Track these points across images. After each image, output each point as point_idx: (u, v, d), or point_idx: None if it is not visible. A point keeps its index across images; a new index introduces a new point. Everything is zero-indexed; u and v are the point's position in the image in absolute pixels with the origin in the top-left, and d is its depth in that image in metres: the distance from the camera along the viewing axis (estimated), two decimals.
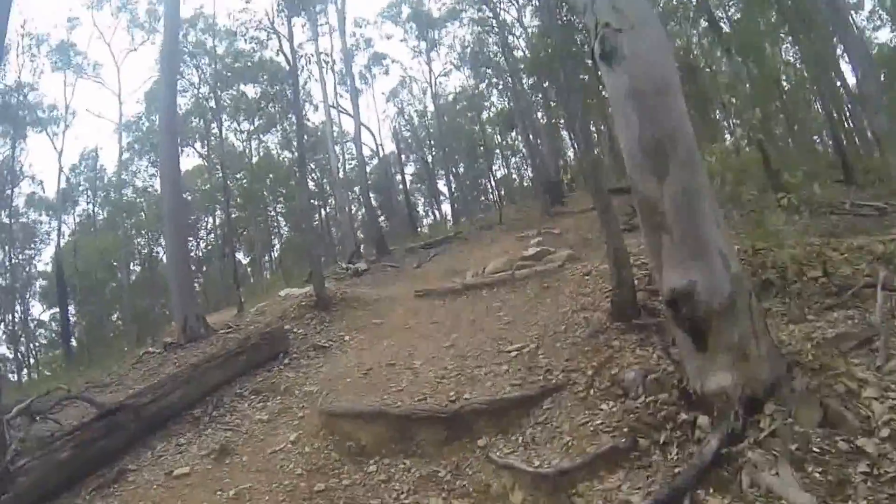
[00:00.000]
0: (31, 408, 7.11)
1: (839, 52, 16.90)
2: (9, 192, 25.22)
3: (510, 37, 23.06)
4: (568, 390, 4.80)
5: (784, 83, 20.80)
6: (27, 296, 30.56)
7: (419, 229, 31.59)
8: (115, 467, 5.20)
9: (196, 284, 34.98)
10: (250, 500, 4.43)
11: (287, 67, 13.10)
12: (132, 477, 5.05)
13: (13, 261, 27.83)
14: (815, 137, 26.91)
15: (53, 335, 29.17)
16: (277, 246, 36.97)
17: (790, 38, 19.19)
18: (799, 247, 5.73)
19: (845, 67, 17.19)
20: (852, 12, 18.84)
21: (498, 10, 21.81)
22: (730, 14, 20.44)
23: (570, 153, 25.77)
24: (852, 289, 4.93)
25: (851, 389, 3.30)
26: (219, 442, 5.42)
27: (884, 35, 25.82)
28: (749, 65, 16.19)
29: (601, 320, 5.96)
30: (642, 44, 3.60)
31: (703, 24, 18.15)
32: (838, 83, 17.99)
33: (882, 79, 14.99)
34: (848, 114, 19.47)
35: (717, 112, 23.13)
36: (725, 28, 18.11)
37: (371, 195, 29.93)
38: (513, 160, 37.80)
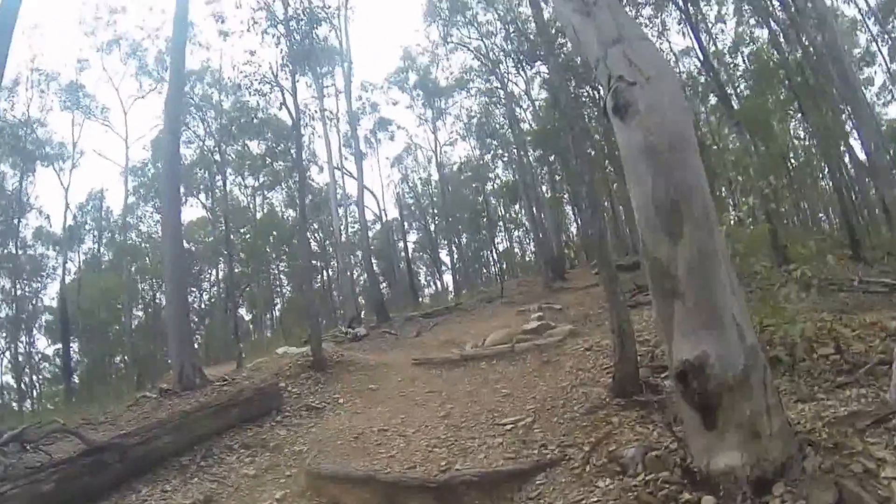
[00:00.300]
0: (22, 436, 7.05)
1: (848, 127, 17.15)
2: (16, 222, 25.58)
3: (517, 108, 23.57)
4: (563, 466, 4.67)
5: (791, 160, 21.12)
6: (33, 328, 30.55)
7: (420, 298, 31.57)
8: None
9: (198, 336, 35.02)
10: None
11: (290, 122, 13.38)
12: None
13: (19, 292, 27.88)
14: (821, 215, 27.17)
15: (56, 370, 29.17)
16: (280, 304, 36.98)
17: (799, 114, 19.65)
18: (809, 323, 5.64)
19: (853, 144, 17.55)
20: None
21: (506, 80, 22.36)
22: (738, 90, 21.04)
23: (574, 228, 25.92)
24: (865, 366, 4.81)
25: (869, 469, 3.14)
26: (203, 493, 5.28)
27: (893, 111, 26.47)
28: (757, 142, 16.54)
29: (601, 396, 5.91)
30: (657, 97, 3.48)
31: (712, 100, 18.62)
32: (847, 158, 18.21)
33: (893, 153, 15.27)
34: (856, 188, 19.68)
35: (724, 189, 23.56)
36: (734, 103, 18.61)
37: (373, 260, 30.09)
38: (515, 233, 38.11)
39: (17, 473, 5.32)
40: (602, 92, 3.93)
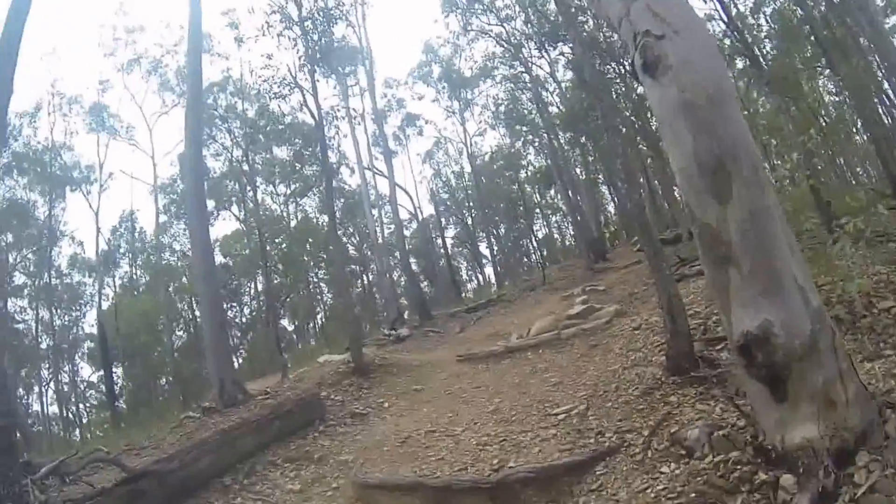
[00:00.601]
0: (61, 468, 6.97)
1: (879, 76, 16.51)
2: (49, 251, 25.97)
3: (544, 92, 23.08)
4: (623, 453, 4.35)
5: (824, 117, 20.37)
6: (75, 357, 31.28)
7: (463, 294, 31.22)
8: None
9: (241, 351, 35.51)
10: None
11: (314, 123, 13.24)
12: None
13: (58, 322, 28.46)
14: (858, 169, 26.15)
15: (102, 396, 29.54)
16: (322, 313, 37.15)
17: (828, 70, 18.93)
18: (865, 277, 5.22)
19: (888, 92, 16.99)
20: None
21: (530, 64, 21.88)
22: (764, 52, 20.30)
23: (611, 208, 25.30)
24: None
25: None
26: None
27: None
28: (787, 102, 15.81)
29: (655, 375, 5.50)
30: (689, 50, 3.18)
31: (739, 64, 17.91)
32: (881, 108, 17.51)
33: None
34: (894, 137, 18.85)
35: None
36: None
37: (412, 260, 29.77)
38: (553, 219, 37.35)
39: None
40: (629, 52, 3.65)
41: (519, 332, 10.84)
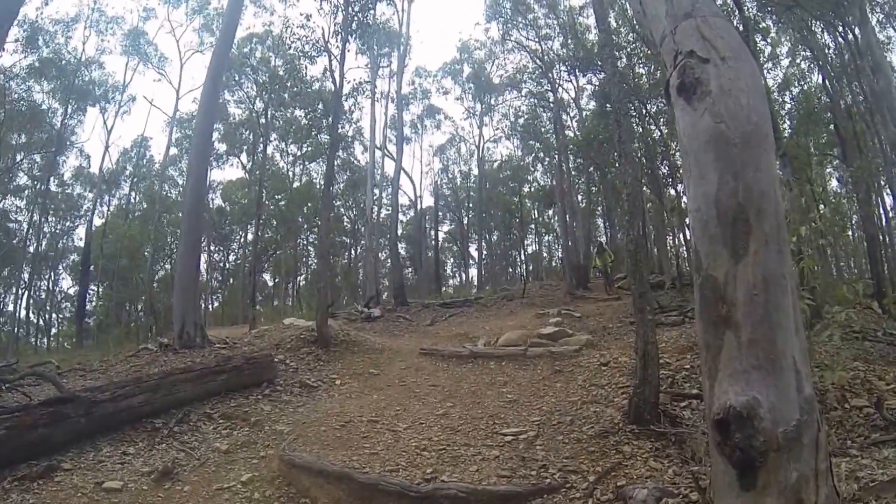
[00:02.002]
0: (1, 375, 6.80)
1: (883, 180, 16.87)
2: (56, 159, 25.90)
3: (564, 115, 23.23)
4: (562, 495, 4.12)
5: (821, 205, 20.62)
6: (59, 267, 31.10)
7: (444, 288, 31.15)
8: (48, 461, 4.64)
9: (218, 295, 35.23)
10: None
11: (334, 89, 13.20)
12: (60, 477, 4.49)
13: (49, 229, 28.28)
14: (842, 264, 26.58)
15: (76, 310, 29.52)
16: (304, 275, 36.98)
17: (836, 161, 19.05)
18: (842, 370, 5.00)
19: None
20: None
21: (557, 85, 21.96)
22: (783, 127, 20.50)
23: (603, 240, 25.54)
24: None
25: None
26: (166, 462, 4.85)
27: None
28: (791, 180, 15.88)
29: (613, 419, 5.30)
30: (733, 80, 2.89)
31: None
32: (880, 209, 17.84)
33: None
34: (887, 240, 19.08)
35: None
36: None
37: (402, 245, 29.57)
38: (546, 237, 37.66)
39: None
40: (666, 71, 3.31)
41: (487, 338, 10.67)
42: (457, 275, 41.77)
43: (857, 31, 14.46)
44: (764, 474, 2.57)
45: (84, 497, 4.24)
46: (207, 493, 4.43)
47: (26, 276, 27.57)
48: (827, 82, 17.96)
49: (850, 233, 24.51)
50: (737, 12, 15.15)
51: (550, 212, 30.23)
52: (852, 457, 3.95)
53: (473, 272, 38.76)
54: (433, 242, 35.08)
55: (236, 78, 24.26)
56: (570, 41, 20.78)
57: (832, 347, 5.82)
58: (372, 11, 13.62)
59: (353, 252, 36.02)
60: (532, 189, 31.52)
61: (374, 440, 5.40)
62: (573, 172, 22.74)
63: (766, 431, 2.55)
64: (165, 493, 4.41)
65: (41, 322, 29.99)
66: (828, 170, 24.72)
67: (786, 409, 2.58)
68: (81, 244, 27.45)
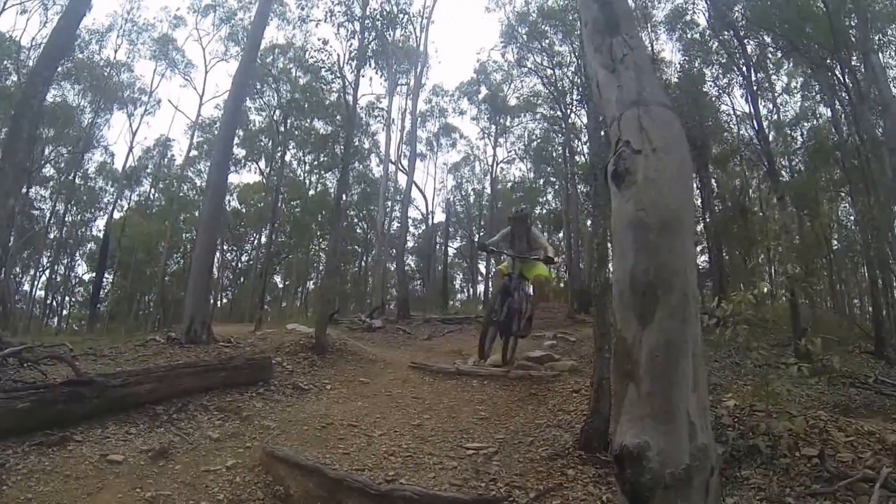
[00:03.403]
0: (22, 353, 7.55)
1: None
2: (82, 155, 27.48)
3: (575, 141, 23.69)
4: None
5: (835, 242, 20.65)
6: (76, 254, 32.47)
7: (451, 302, 31.72)
8: (63, 432, 5.33)
9: (229, 292, 36.15)
10: None
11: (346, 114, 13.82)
12: (72, 446, 5.16)
13: (70, 219, 29.60)
14: (856, 301, 26.33)
15: (89, 296, 30.82)
16: (315, 279, 37.78)
17: (849, 198, 19.14)
18: (801, 417, 5.38)
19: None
20: None
21: (568, 112, 22.41)
22: (793, 163, 20.64)
23: (610, 266, 25.77)
24: (847, 479, 4.48)
25: None
26: (163, 443, 5.48)
27: None
28: (802, 216, 16.05)
29: (566, 443, 5.85)
30: (660, 171, 3.19)
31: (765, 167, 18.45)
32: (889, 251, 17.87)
33: None
34: (893, 283, 19.08)
35: (762, 257, 22.99)
36: (786, 176, 18.23)
37: (413, 258, 30.16)
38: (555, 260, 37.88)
39: (1, 386, 5.67)
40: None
41: (476, 357, 11.14)
42: (465, 290, 42.33)
43: (858, 74, 14.77)
44: None
45: (90, 465, 4.90)
46: (196, 473, 5.05)
47: (45, 259, 28.93)
48: (838, 118, 18.11)
49: (863, 270, 24.48)
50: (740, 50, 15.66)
51: (560, 234, 30.71)
52: None
53: (481, 288, 39.29)
54: (442, 257, 35.69)
55: (258, 86, 25.42)
56: (583, 68, 21.10)
57: (787, 394, 6.03)
58: (389, 34, 14.26)
59: (364, 261, 36.79)
60: (543, 212, 32.06)
61: (348, 442, 5.98)
62: (582, 199, 23.22)
63: (654, 471, 2.86)
64: (159, 469, 5.04)
65: (54, 303, 31.20)
66: (842, 205, 24.77)
67: (675, 454, 2.86)
68: (100, 235, 28.88)
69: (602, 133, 7.90)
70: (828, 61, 15.30)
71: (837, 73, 15.62)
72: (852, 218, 22.50)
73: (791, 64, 20.37)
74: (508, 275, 8.66)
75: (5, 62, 22.63)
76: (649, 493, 2.84)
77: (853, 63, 15.11)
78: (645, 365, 2.97)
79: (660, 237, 3.10)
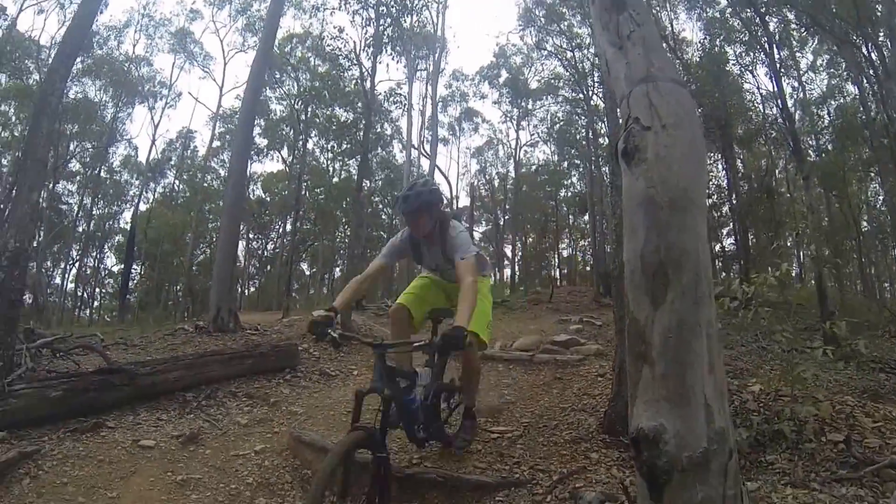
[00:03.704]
0: (54, 344, 7.78)
1: None
2: (107, 149, 28.26)
3: (598, 123, 23.40)
4: (527, 489, 4.63)
5: (864, 223, 20.12)
6: (104, 247, 33.31)
7: None
8: (96, 419, 5.53)
9: (256, 280, 36.70)
10: (193, 490, 4.56)
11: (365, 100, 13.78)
12: (105, 432, 5.35)
13: (98, 212, 30.38)
14: (886, 284, 25.70)
15: (118, 287, 31.66)
16: (341, 265, 38.09)
17: (878, 178, 18.61)
18: (827, 402, 5.25)
19: None
20: None
21: (590, 94, 22.13)
22: (820, 143, 20.10)
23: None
24: (875, 465, 4.35)
25: None
26: (193, 429, 5.62)
27: None
28: (830, 197, 15.62)
29: (590, 427, 5.82)
30: (670, 148, 3.13)
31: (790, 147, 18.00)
32: None
33: None
34: None
35: (790, 239, 22.49)
36: (812, 156, 17.77)
37: None
38: (581, 242, 37.77)
39: (35, 376, 5.87)
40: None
41: (503, 341, 11.13)
42: (492, 274, 42.32)
43: (885, 50, 14.30)
44: (670, 491, 2.85)
45: (123, 450, 5.05)
46: (225, 458, 5.17)
47: (74, 253, 29.74)
48: (865, 95, 17.76)
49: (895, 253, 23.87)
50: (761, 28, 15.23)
51: (586, 217, 30.39)
52: (811, 490, 4.13)
53: (508, 272, 39.26)
54: None
55: (277, 76, 25.55)
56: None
57: (813, 378, 5.92)
58: (405, 20, 14.16)
59: None
60: (568, 194, 31.81)
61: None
62: (606, 181, 22.97)
63: (670, 454, 2.85)
64: (190, 454, 5.17)
65: (84, 295, 32.05)
66: (872, 186, 24.15)
67: (692, 438, 2.85)
68: (127, 227, 29.61)
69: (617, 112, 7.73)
70: (853, 38, 14.76)
71: (864, 49, 15.09)
72: (881, 198, 21.94)
73: (816, 41, 19.82)
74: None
75: (26, 61, 23.16)
76: (666, 476, 2.82)
77: (880, 39, 14.60)
78: (658, 347, 2.94)
79: (671, 215, 3.05)
